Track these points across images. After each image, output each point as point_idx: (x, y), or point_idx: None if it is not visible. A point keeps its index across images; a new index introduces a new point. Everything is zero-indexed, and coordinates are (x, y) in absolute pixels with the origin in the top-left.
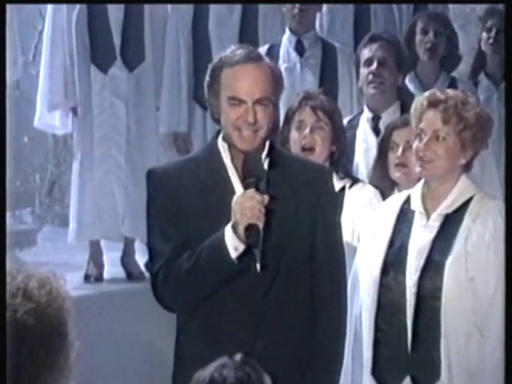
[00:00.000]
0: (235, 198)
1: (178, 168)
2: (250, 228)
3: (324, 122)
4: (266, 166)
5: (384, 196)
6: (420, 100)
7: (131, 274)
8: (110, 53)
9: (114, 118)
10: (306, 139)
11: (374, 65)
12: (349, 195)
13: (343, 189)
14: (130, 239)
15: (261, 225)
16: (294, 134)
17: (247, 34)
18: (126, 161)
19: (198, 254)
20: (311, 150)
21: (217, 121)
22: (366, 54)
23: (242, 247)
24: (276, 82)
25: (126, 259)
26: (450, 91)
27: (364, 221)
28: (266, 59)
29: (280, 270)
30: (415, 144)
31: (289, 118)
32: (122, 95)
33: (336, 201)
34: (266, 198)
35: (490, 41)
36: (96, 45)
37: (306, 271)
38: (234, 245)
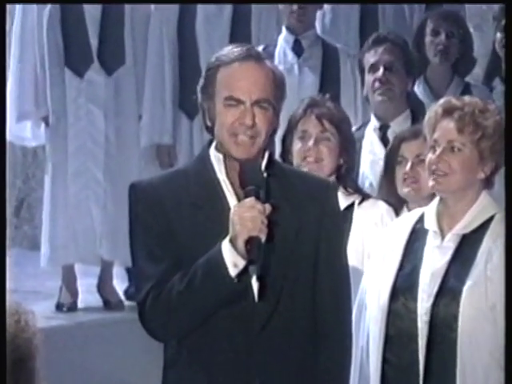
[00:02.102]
0: (233, 208)
1: (164, 181)
2: (250, 241)
3: (330, 133)
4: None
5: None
6: (434, 108)
7: (108, 303)
8: (86, 55)
9: (91, 127)
10: (310, 151)
11: (381, 70)
12: (358, 213)
13: (352, 205)
14: (108, 263)
15: (263, 237)
16: (296, 145)
17: (239, 35)
18: (105, 175)
19: (192, 273)
20: (316, 162)
21: (210, 130)
22: (370, 58)
23: (242, 263)
24: (277, 86)
25: (103, 286)
26: (468, 98)
27: (375, 241)
28: (268, 61)
29: (281, 296)
30: (428, 156)
31: (292, 127)
32: (99, 102)
33: (341, 220)
34: (268, 207)
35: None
36: (70, 46)
37: (308, 297)
38: (233, 261)
